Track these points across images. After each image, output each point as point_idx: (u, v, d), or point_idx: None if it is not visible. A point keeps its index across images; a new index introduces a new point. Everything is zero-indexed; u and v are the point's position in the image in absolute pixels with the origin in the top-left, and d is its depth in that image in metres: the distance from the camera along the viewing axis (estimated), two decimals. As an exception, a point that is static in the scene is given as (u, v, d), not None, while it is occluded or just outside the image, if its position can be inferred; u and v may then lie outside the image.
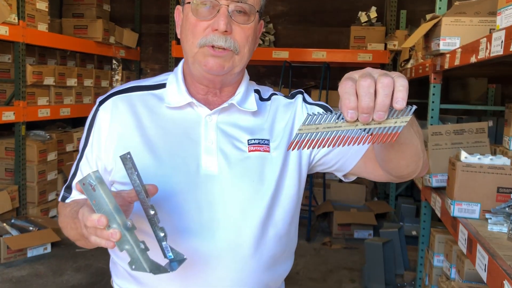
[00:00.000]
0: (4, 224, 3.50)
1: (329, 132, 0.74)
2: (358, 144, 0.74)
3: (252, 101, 1.12)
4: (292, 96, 1.19)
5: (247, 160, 1.06)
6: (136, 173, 0.85)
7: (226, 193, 1.04)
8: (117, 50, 5.15)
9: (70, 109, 4.42)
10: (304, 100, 1.17)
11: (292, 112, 1.15)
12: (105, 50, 4.97)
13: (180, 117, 1.08)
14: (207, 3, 1.02)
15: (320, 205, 4.68)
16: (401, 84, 0.72)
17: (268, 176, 1.06)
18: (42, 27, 4.00)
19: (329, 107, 1.18)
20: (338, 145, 0.74)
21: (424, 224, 2.70)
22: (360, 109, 0.71)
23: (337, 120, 0.74)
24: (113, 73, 5.29)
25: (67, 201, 1.12)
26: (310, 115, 0.74)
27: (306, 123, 0.74)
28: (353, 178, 1.19)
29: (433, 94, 2.55)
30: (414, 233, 3.75)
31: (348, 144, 0.74)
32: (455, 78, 4.25)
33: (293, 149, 0.74)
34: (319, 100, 4.53)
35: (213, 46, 1.01)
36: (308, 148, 0.74)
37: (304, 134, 0.74)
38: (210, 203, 1.03)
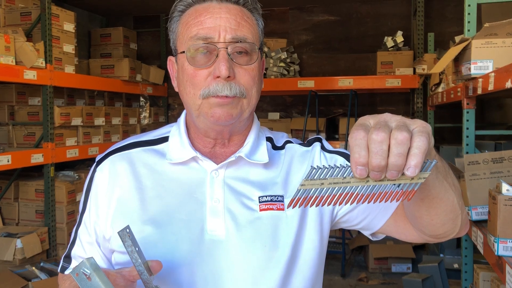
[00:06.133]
0: (33, 268, 3.48)
1: (336, 188, 0.64)
2: (368, 202, 0.65)
3: (263, 151, 1.01)
4: (309, 144, 1.07)
5: (258, 221, 0.94)
6: (137, 249, 0.76)
7: (235, 261, 0.92)
8: (144, 88, 5.19)
9: (98, 148, 4.43)
10: (323, 148, 1.05)
11: (309, 162, 1.03)
12: (132, 88, 5.01)
13: (184, 173, 0.98)
14: (204, 48, 0.92)
15: (355, 238, 4.49)
16: (417, 146, 0.62)
17: (282, 239, 0.94)
18: (69, 69, 4.07)
19: None
20: (346, 203, 0.65)
21: (466, 259, 2.50)
22: (370, 167, 0.62)
23: (345, 175, 0.64)
24: (140, 110, 5.34)
25: (67, 272, 1.02)
26: (314, 168, 0.64)
27: (309, 177, 0.64)
28: (382, 236, 1.05)
29: (467, 120, 2.40)
30: (456, 266, 3.53)
31: (357, 203, 0.65)
32: (491, 98, 4.06)
33: (293, 207, 0.65)
34: (348, 128, 4.48)
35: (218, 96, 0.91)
36: (310, 206, 0.64)
37: (307, 190, 0.64)
38: (216, 273, 0.91)
